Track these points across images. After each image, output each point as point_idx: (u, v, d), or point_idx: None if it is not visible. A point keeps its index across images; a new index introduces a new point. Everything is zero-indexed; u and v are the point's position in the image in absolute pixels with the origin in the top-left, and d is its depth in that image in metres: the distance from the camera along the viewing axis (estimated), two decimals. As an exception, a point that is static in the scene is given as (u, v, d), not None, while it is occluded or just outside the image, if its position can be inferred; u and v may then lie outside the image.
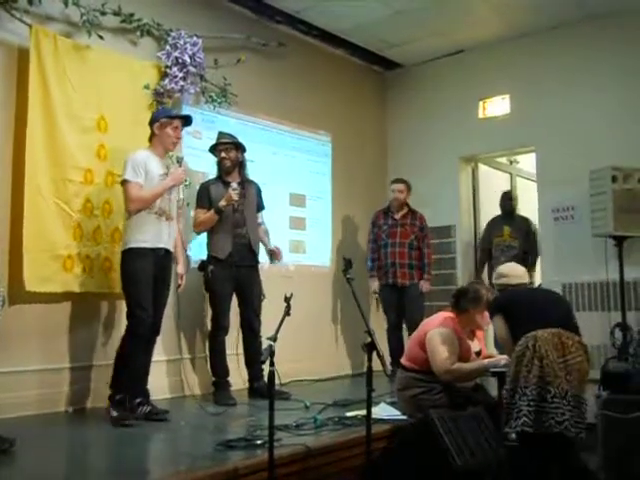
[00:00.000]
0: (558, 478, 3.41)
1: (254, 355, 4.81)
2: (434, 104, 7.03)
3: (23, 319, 4.22)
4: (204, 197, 4.88)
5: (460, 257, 6.79)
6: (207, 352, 4.97)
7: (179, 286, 4.43)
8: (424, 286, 5.94)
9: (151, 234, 4.09)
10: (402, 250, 5.96)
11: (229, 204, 4.74)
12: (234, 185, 4.76)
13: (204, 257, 4.98)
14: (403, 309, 5.91)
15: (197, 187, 5.06)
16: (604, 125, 5.85)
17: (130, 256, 4.08)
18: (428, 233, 6.12)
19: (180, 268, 4.42)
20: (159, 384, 4.67)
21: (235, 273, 4.84)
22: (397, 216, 6.08)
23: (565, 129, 6.09)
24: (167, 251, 4.21)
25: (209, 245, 4.92)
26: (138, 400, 4.09)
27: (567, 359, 3.35)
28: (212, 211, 4.77)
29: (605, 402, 4.32)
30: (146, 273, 4.06)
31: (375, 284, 6.07)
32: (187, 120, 4.43)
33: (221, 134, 5.05)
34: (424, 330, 4.00)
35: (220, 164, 4.96)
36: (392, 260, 5.96)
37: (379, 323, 6.09)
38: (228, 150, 4.94)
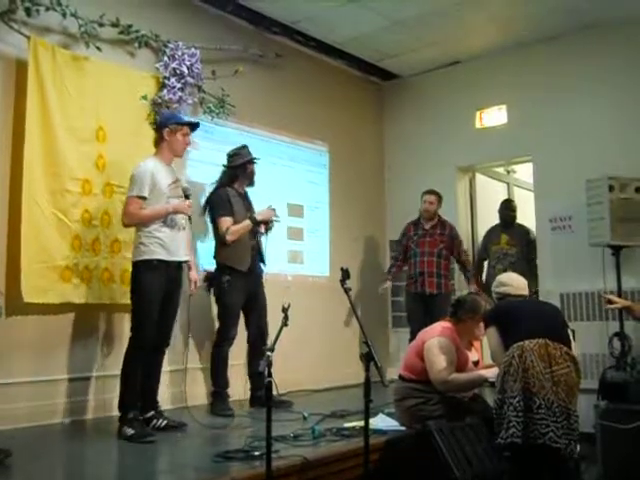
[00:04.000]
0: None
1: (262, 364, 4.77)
2: (431, 114, 7.06)
3: (22, 330, 4.21)
4: (226, 205, 4.85)
5: (457, 267, 6.77)
6: (209, 362, 4.91)
7: (192, 292, 4.33)
8: (471, 286, 6.05)
9: (164, 246, 4.01)
10: (430, 259, 6.05)
11: (266, 222, 4.93)
12: (273, 206, 5.00)
13: (206, 267, 5.00)
14: (429, 319, 5.89)
15: (208, 196, 5.06)
16: (601, 135, 5.87)
17: (142, 268, 3.98)
18: (460, 241, 6.22)
19: (193, 274, 4.35)
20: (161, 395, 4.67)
21: (247, 283, 4.87)
22: (427, 226, 6.19)
23: (562, 139, 6.11)
24: (180, 262, 4.15)
25: (223, 256, 4.87)
26: (150, 414, 4.06)
27: (553, 370, 3.34)
28: (247, 222, 4.84)
29: (603, 412, 4.33)
30: (157, 288, 3.97)
31: (386, 285, 6.20)
32: (195, 127, 4.36)
33: (248, 149, 5.10)
34: (422, 340, 4.00)
35: (247, 176, 4.99)
36: (420, 269, 6.05)
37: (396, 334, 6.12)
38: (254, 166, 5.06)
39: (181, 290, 4.22)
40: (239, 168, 4.98)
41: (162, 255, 4.01)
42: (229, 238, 4.78)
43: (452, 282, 6.56)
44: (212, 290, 4.93)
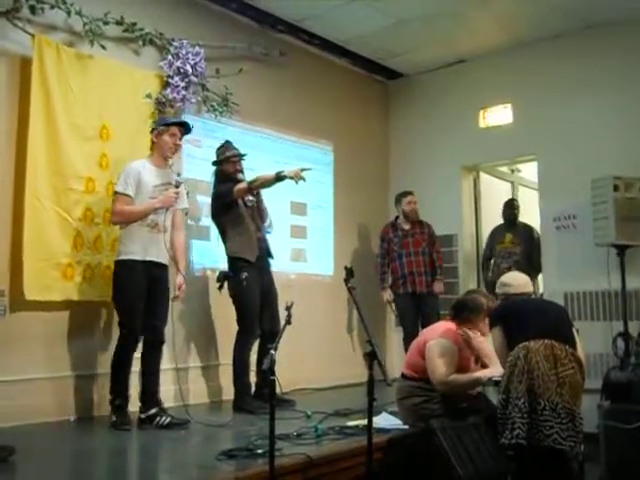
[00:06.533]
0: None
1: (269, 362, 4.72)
2: (436, 113, 7.04)
3: (25, 327, 4.22)
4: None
5: (462, 266, 6.79)
6: (232, 361, 4.84)
7: (176, 297, 4.33)
8: (437, 287, 6.12)
9: (142, 246, 4.13)
10: (418, 259, 6.13)
11: (297, 178, 4.59)
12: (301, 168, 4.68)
13: (215, 265, 5.05)
14: (420, 317, 5.95)
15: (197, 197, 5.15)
16: (606, 134, 5.85)
17: (120, 267, 4.16)
18: (437, 239, 6.29)
19: (179, 279, 4.37)
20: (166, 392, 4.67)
21: (261, 278, 4.87)
22: (406, 227, 6.23)
23: (567, 138, 6.09)
24: (159, 264, 4.21)
25: (232, 249, 4.83)
26: (153, 411, 4.09)
27: (559, 371, 3.34)
28: (271, 173, 4.69)
29: (607, 412, 4.32)
30: (135, 284, 4.10)
31: (387, 294, 6.24)
32: (186, 127, 4.45)
33: (232, 145, 5.04)
34: (424, 339, 3.99)
35: (231, 174, 4.90)
36: (409, 269, 6.12)
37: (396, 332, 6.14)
38: (240, 163, 5.00)
39: (166, 289, 4.26)
40: (224, 162, 4.95)
41: (139, 255, 4.12)
42: (240, 186, 4.73)
43: (450, 279, 6.58)
44: (228, 287, 4.86)
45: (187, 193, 4.79)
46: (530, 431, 3.27)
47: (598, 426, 4.32)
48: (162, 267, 4.26)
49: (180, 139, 4.40)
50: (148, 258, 4.15)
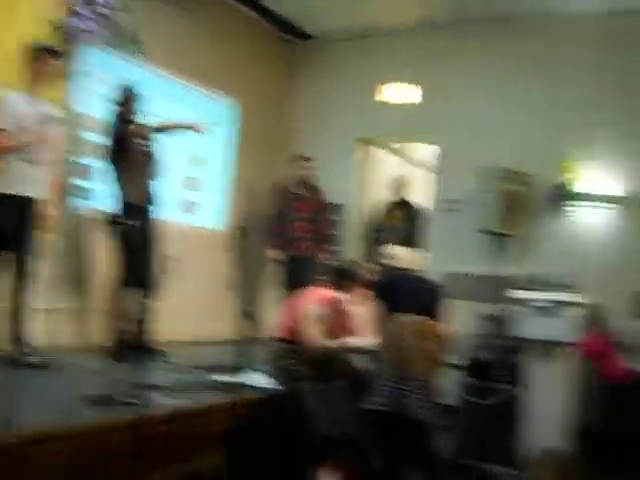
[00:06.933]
0: (407, 457, 3.59)
1: (145, 312, 4.68)
2: (342, 82, 7.08)
3: None
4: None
5: (347, 235, 6.92)
6: (112, 305, 4.74)
7: (44, 228, 4.22)
8: (321, 253, 6.15)
9: (16, 180, 4.00)
10: (305, 224, 6.12)
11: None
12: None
13: (99, 206, 4.90)
14: (302, 280, 6.01)
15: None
16: (505, 127, 6.10)
17: None
18: (327, 207, 6.32)
19: (50, 210, 4.24)
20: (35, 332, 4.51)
21: (146, 224, 4.76)
22: (300, 191, 6.21)
23: (466, 125, 6.28)
24: (32, 198, 4.09)
25: (122, 192, 4.71)
26: (19, 349, 3.98)
27: (424, 346, 3.55)
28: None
29: (467, 388, 4.59)
30: (2, 221, 3.97)
31: (273, 254, 6.19)
32: (55, 54, 4.25)
33: (133, 87, 4.88)
34: (301, 303, 4.08)
35: (128, 115, 4.78)
36: (297, 233, 6.10)
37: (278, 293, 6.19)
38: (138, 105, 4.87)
39: (36, 223, 4.15)
40: (123, 104, 4.82)
41: (14, 190, 4.00)
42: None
43: (335, 247, 6.69)
44: (112, 231, 4.73)
45: (68, 127, 4.64)
46: (392, 399, 3.45)
47: (459, 400, 4.58)
48: (36, 202, 4.13)
49: (54, 67, 4.20)
50: (23, 193, 4.03)
